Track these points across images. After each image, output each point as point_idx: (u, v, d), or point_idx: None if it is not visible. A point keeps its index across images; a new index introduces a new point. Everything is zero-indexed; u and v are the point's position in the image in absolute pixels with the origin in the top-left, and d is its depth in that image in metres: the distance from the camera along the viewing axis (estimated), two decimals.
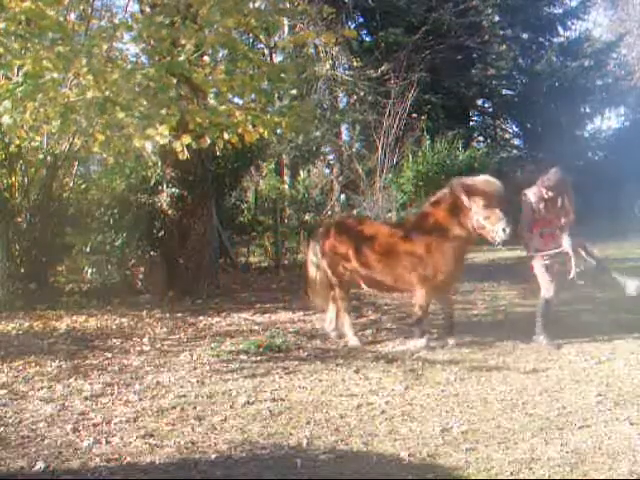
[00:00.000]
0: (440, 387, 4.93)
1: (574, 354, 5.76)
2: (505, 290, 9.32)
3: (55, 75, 5.53)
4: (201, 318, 7.63)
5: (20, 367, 5.54)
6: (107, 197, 9.21)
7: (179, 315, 7.76)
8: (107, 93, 5.65)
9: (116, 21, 6.93)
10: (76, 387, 5.02)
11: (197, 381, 5.17)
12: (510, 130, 22.49)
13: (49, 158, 8.66)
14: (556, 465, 3.50)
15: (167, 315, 7.74)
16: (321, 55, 16.63)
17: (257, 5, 6.73)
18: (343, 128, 18.39)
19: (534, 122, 20.18)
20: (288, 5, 10.26)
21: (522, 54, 20.14)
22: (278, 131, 8.00)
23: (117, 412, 4.47)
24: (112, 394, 4.86)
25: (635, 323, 6.40)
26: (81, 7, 7.31)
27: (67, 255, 9.11)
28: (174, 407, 4.57)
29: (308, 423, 4.23)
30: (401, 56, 15.60)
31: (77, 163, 9.45)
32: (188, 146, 6.32)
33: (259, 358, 5.85)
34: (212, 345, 6.29)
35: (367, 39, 18.65)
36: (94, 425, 4.22)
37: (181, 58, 5.84)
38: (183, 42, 6.03)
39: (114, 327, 7.17)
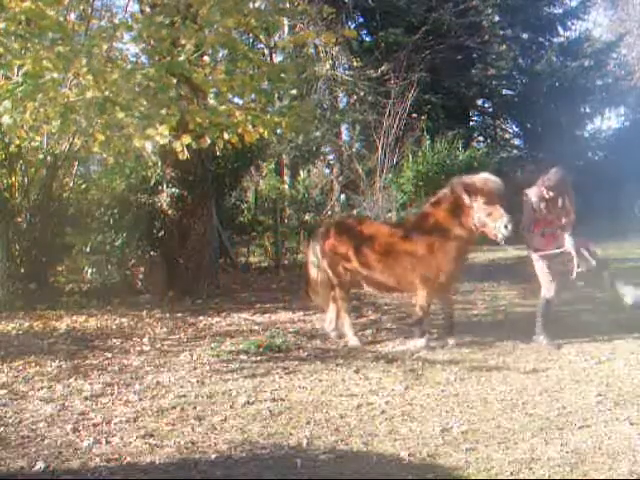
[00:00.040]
0: (440, 387, 4.93)
1: (574, 354, 5.76)
2: (505, 290, 9.32)
3: (55, 75, 5.53)
4: (201, 318, 7.63)
5: (20, 367, 5.54)
6: (107, 197, 9.21)
7: (179, 315, 7.76)
8: (107, 93, 5.65)
9: (116, 21, 6.92)
10: (76, 387, 5.02)
11: (197, 381, 5.17)
12: (510, 130, 22.48)
13: (49, 158, 8.66)
14: (556, 465, 3.50)
15: (167, 315, 7.74)
16: (321, 55, 16.63)
17: (257, 5, 6.73)
18: (343, 128, 18.39)
19: (534, 122, 20.17)
20: (288, 5, 10.25)
21: (522, 54, 20.13)
22: (278, 131, 8.00)
23: (117, 412, 4.47)
24: (112, 394, 4.86)
25: (635, 323, 6.40)
26: (81, 7, 7.30)
27: (67, 255, 9.10)
28: (174, 407, 4.57)
29: (308, 423, 4.23)
30: (401, 56, 15.59)
31: (77, 163, 9.45)
32: (188, 146, 6.32)
33: (259, 358, 5.85)
34: (212, 345, 6.29)
35: (367, 39, 18.64)
36: (94, 425, 4.22)
37: (181, 58, 5.84)
38: (183, 42, 6.03)
39: (114, 327, 7.17)
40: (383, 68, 16.12)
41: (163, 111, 5.82)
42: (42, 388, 4.99)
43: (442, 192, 6.22)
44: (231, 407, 4.56)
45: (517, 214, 6.01)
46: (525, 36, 20.27)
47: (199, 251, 9.01)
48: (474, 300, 8.56)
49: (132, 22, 6.03)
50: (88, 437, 4.00)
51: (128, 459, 3.69)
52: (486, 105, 21.49)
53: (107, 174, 9.55)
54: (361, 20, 19.26)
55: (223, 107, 6.29)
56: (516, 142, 22.35)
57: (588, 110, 21.00)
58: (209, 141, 6.53)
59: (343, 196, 16.01)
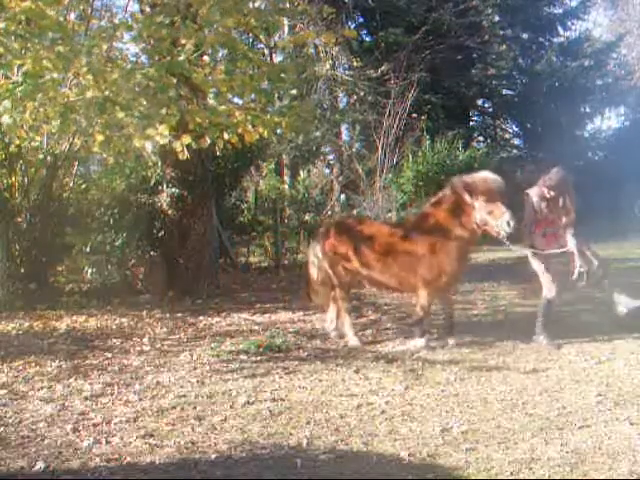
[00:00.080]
0: (440, 387, 4.93)
1: (574, 354, 5.76)
2: (505, 290, 9.33)
3: (55, 75, 5.52)
4: (201, 318, 7.63)
5: (20, 367, 5.54)
6: (107, 197, 9.21)
7: (179, 315, 7.76)
8: (107, 93, 5.65)
9: (116, 21, 6.92)
10: (76, 387, 5.02)
11: (197, 381, 5.17)
12: (510, 130, 22.50)
13: (49, 158, 8.66)
14: (556, 465, 3.50)
15: (167, 315, 7.74)
16: (321, 55, 16.63)
17: (257, 5, 6.73)
18: (343, 128, 18.40)
19: (534, 122, 20.19)
20: (288, 5, 10.24)
21: (522, 54, 20.14)
22: (278, 131, 7.99)
23: (117, 412, 4.47)
24: (112, 394, 4.86)
25: (635, 323, 6.39)
26: (81, 7, 7.29)
27: (67, 255, 9.10)
28: (174, 407, 4.57)
29: (308, 423, 4.23)
30: (401, 56, 15.60)
31: (77, 163, 9.45)
32: (188, 146, 6.32)
33: (259, 358, 5.85)
34: (212, 345, 6.29)
35: (367, 39, 18.65)
36: (94, 425, 4.22)
37: (181, 58, 5.83)
38: (183, 42, 6.03)
39: (114, 327, 7.17)
40: (383, 68, 16.12)
41: (163, 111, 5.82)
42: (42, 388, 4.99)
43: (443, 192, 6.21)
44: (231, 407, 4.56)
45: (517, 213, 6.01)
46: (525, 36, 20.29)
47: (199, 251, 9.01)
48: (474, 300, 8.56)
49: (132, 22, 6.02)
50: (88, 437, 4.00)
51: (128, 459, 3.69)
52: (486, 105, 21.50)
53: (107, 174, 9.55)
54: (361, 20, 19.27)
55: (223, 107, 6.29)
56: (516, 142, 22.38)
57: (588, 110, 21.02)
58: (209, 141, 6.53)
59: (343, 196, 16.01)
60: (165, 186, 9.09)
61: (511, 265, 10.76)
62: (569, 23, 21.03)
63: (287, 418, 4.34)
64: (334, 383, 5.10)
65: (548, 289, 6.05)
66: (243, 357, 5.88)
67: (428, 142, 15.54)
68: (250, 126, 6.50)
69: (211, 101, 6.56)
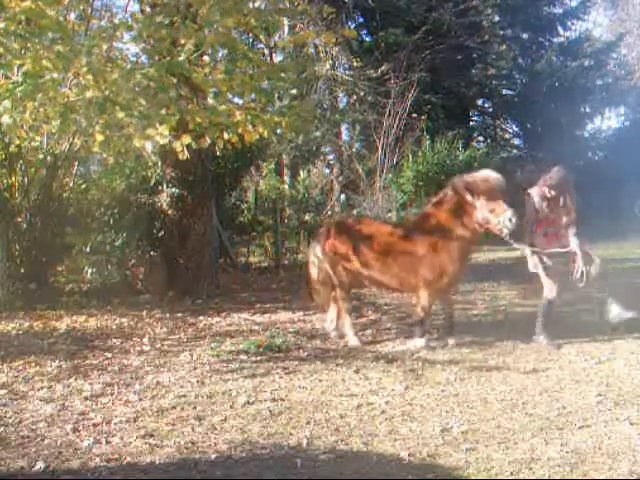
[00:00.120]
0: (440, 387, 4.93)
1: (574, 354, 5.76)
2: (505, 290, 9.33)
3: (55, 75, 5.52)
4: (201, 318, 7.63)
5: (20, 367, 5.54)
6: (107, 197, 9.21)
7: (179, 315, 7.76)
8: (107, 93, 5.65)
9: (116, 21, 6.92)
10: (76, 387, 5.02)
11: (197, 381, 5.17)
12: (510, 130, 22.50)
13: (49, 158, 8.66)
14: (556, 465, 3.50)
15: (167, 315, 7.74)
16: (321, 55, 16.63)
17: (257, 5, 6.73)
18: (343, 128, 18.40)
19: (534, 122, 20.19)
20: (288, 5, 10.26)
21: (522, 54, 20.15)
22: (278, 131, 7.99)
23: (117, 412, 4.47)
24: (112, 394, 4.86)
25: (635, 323, 6.39)
26: (81, 7, 7.29)
27: (67, 255, 9.11)
28: (174, 407, 4.56)
29: (308, 423, 4.23)
30: (401, 56, 15.60)
31: (77, 163, 9.45)
32: (188, 146, 6.32)
33: (259, 358, 5.85)
34: (212, 345, 6.29)
35: (367, 39, 18.65)
36: (94, 425, 4.22)
37: (181, 58, 5.83)
38: (183, 42, 6.03)
39: (114, 327, 7.17)
40: (383, 68, 16.12)
41: (163, 111, 5.82)
42: (42, 388, 4.99)
43: (444, 192, 6.20)
44: (231, 407, 4.56)
45: (518, 210, 6.01)
46: (525, 36, 20.29)
47: (199, 251, 9.01)
48: (474, 300, 8.56)
49: (132, 22, 6.02)
50: (88, 437, 4.00)
51: (128, 459, 3.69)
52: (486, 105, 21.50)
53: (107, 174, 9.55)
54: (361, 20, 19.27)
55: (223, 107, 6.28)
56: (516, 142, 22.38)
57: (588, 110, 21.02)
58: (209, 141, 6.53)
59: (343, 196, 16.02)
60: (165, 186, 9.09)
61: (511, 265, 10.75)
62: (569, 23, 21.03)
63: (287, 418, 4.33)
64: (334, 383, 5.10)
65: (549, 289, 6.05)
66: (243, 357, 5.88)
67: (428, 142, 15.53)
68: (250, 126, 6.50)
69: (211, 101, 6.55)
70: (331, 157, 18.11)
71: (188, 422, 4.26)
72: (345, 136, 18.49)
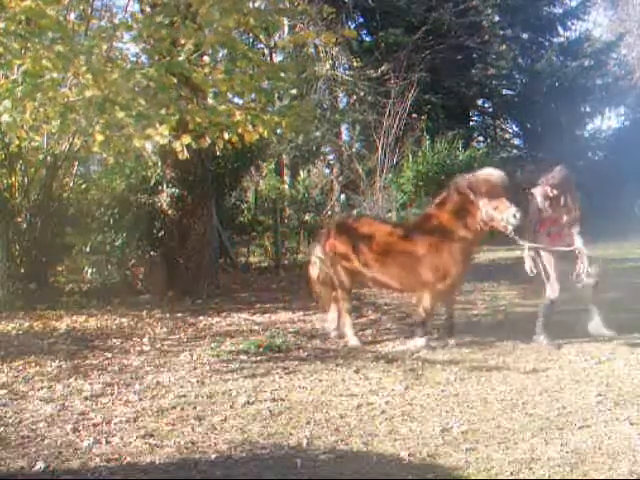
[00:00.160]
0: (440, 387, 4.92)
1: (574, 354, 5.76)
2: (505, 290, 9.33)
3: (55, 75, 5.52)
4: (201, 318, 7.63)
5: (20, 367, 5.54)
6: (107, 197, 9.20)
7: (179, 315, 7.76)
8: (107, 93, 5.65)
9: (116, 21, 6.93)
10: (76, 387, 5.02)
11: (197, 381, 5.17)
12: (510, 130, 22.51)
13: (49, 158, 8.65)
14: (556, 465, 3.49)
15: (167, 315, 7.74)
16: (321, 55, 16.63)
17: (257, 5, 6.73)
18: (343, 128, 18.40)
19: (534, 122, 20.20)
20: (288, 5, 10.25)
21: (522, 54, 20.17)
22: (278, 131, 7.98)
23: (117, 412, 4.47)
24: (112, 394, 4.86)
25: (635, 323, 6.40)
26: (81, 7, 7.29)
27: (67, 255, 9.10)
28: (174, 407, 4.56)
29: (308, 423, 4.23)
30: (401, 56, 15.60)
31: (77, 163, 9.45)
32: (188, 146, 6.31)
33: (259, 358, 5.84)
34: (212, 345, 6.29)
35: (367, 39, 18.67)
36: (94, 425, 4.21)
37: (181, 58, 5.83)
38: (183, 42, 6.02)
39: (114, 327, 7.16)
40: (383, 68, 16.13)
41: (163, 111, 5.82)
42: (42, 388, 4.99)
43: (446, 192, 6.19)
44: (231, 407, 4.56)
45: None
46: (525, 36, 20.31)
47: (199, 251, 9.01)
48: (474, 300, 8.57)
49: (132, 22, 6.01)
50: (88, 437, 3.99)
51: (128, 459, 3.69)
52: (486, 105, 21.52)
53: (107, 174, 9.55)
54: (361, 20, 19.29)
55: (223, 107, 6.28)
56: (516, 142, 22.41)
57: (588, 110, 21.04)
58: (209, 141, 6.52)
59: (343, 196, 16.02)
60: (165, 186, 9.09)
61: (511, 265, 10.74)
62: (569, 23, 21.06)
63: (287, 418, 4.33)
64: (334, 383, 5.10)
65: (552, 290, 6.04)
66: (243, 357, 5.87)
67: (428, 142, 15.54)
68: (250, 126, 6.49)
69: (211, 101, 6.55)
70: (331, 157, 18.12)
71: (188, 422, 4.26)
72: (345, 136, 18.51)
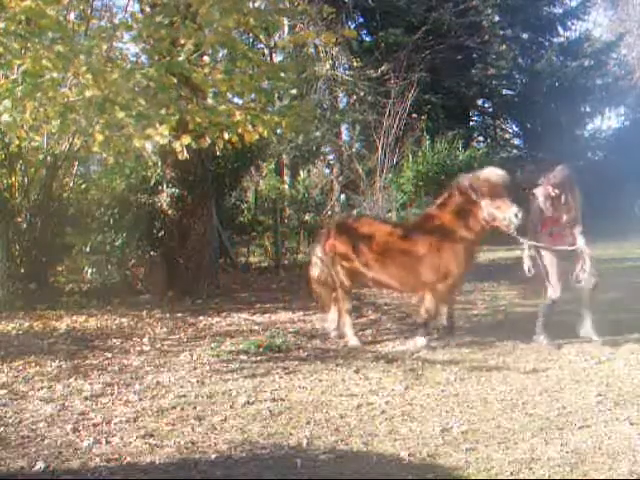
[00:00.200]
0: (440, 387, 4.93)
1: (574, 354, 5.76)
2: (505, 290, 9.33)
3: (54, 75, 5.51)
4: (201, 318, 7.63)
5: (20, 367, 5.54)
6: (107, 197, 9.20)
7: (179, 315, 7.76)
8: (107, 93, 5.64)
9: (116, 21, 6.93)
10: (76, 387, 5.02)
11: (197, 381, 5.17)
12: (510, 130, 22.51)
13: (49, 158, 8.65)
14: (556, 465, 3.50)
15: (167, 315, 7.74)
16: (321, 55, 16.63)
17: (257, 5, 6.72)
18: (343, 128, 18.40)
19: (534, 122, 20.20)
20: (288, 5, 10.25)
21: (522, 54, 20.17)
22: (278, 131, 7.98)
23: (117, 412, 4.47)
24: (112, 394, 4.86)
25: (635, 323, 6.40)
26: (81, 7, 7.29)
27: (67, 255, 9.10)
28: (174, 407, 4.56)
29: (308, 423, 4.23)
30: (401, 56, 15.60)
31: (77, 163, 9.45)
32: (188, 146, 6.31)
33: (259, 358, 5.84)
34: (212, 345, 6.29)
35: (367, 39, 18.67)
36: (94, 425, 4.22)
37: (181, 58, 5.82)
38: (183, 42, 6.02)
39: (114, 327, 7.16)
40: (383, 68, 16.12)
41: (163, 111, 5.81)
42: (42, 388, 4.99)
43: (448, 192, 6.19)
44: (231, 407, 4.56)
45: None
46: (525, 36, 20.31)
47: (199, 251, 9.01)
48: (474, 300, 8.57)
49: (132, 22, 6.01)
50: (88, 437, 4.00)
51: (128, 459, 3.69)
52: (486, 105, 21.52)
53: (107, 174, 9.55)
54: (361, 20, 19.29)
55: (223, 107, 6.27)
56: (516, 142, 22.41)
57: (588, 110, 21.04)
58: (209, 141, 6.52)
59: (343, 196, 16.01)
60: (165, 186, 9.09)
61: (511, 265, 10.73)
62: (569, 23, 21.06)
63: (287, 418, 4.33)
64: (334, 383, 5.10)
65: (554, 290, 6.04)
66: (243, 357, 5.88)
67: (428, 142, 15.54)
68: (250, 126, 6.49)
69: (211, 101, 6.54)
70: (331, 157, 18.11)
71: (188, 422, 4.26)
72: (345, 136, 18.50)
